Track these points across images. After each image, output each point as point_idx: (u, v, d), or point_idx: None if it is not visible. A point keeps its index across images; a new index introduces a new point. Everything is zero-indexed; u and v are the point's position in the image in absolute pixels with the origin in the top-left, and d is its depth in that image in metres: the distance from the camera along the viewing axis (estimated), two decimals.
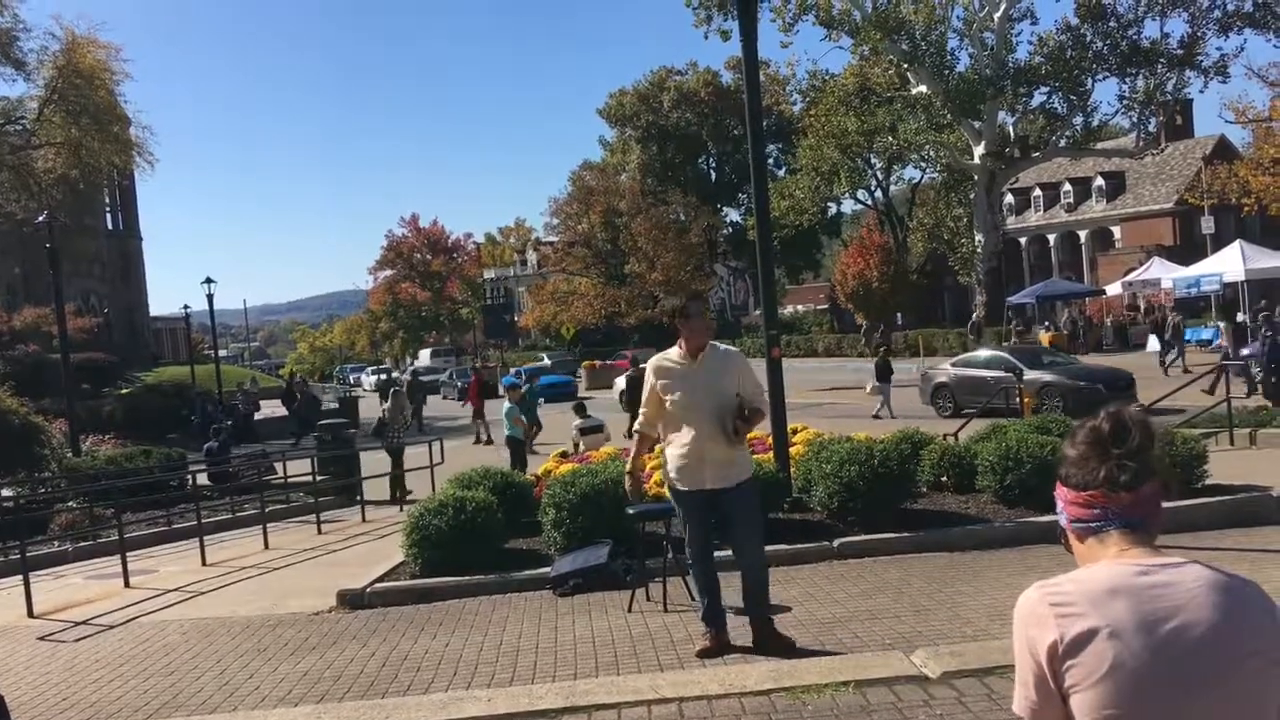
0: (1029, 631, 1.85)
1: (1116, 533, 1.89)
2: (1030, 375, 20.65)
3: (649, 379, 6.54)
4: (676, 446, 6.36)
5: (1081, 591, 1.83)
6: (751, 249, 15.29)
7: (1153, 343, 35.68)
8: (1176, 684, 1.75)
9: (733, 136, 70.71)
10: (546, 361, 55.79)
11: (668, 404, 6.37)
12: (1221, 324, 20.76)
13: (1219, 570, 1.85)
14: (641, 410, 6.69)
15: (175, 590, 10.95)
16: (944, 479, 10.61)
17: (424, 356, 74.05)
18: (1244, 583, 1.84)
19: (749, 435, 6.65)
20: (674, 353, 6.49)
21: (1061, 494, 1.99)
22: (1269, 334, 19.28)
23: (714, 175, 76.88)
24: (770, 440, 10.77)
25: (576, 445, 17.16)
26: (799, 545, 9.13)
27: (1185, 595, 1.80)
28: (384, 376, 49.22)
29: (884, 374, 24.57)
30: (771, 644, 6.36)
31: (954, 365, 24.51)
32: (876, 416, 22.64)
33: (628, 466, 6.94)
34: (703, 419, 6.21)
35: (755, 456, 10.38)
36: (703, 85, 73.06)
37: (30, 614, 10.25)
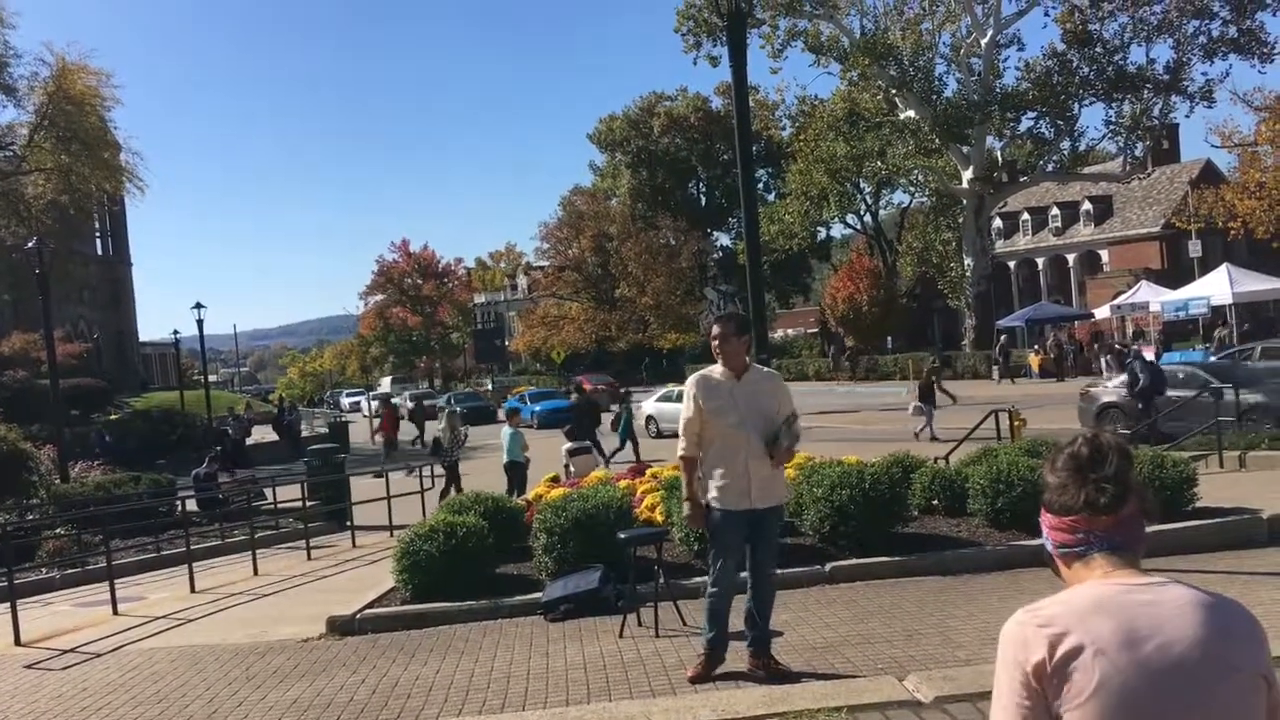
0: (1017, 655, 1.85)
1: (1100, 556, 1.92)
2: (1234, 394, 16.64)
3: (692, 400, 6.30)
4: (721, 466, 6.21)
5: (1067, 611, 1.85)
6: (742, 273, 15.51)
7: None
8: (1161, 701, 1.77)
9: (722, 161, 71.04)
10: (489, 386, 56.67)
11: (714, 425, 6.21)
12: (1105, 358, 20.76)
13: (1202, 590, 1.88)
14: (684, 433, 6.36)
15: (164, 617, 10.88)
16: (935, 502, 10.61)
17: (385, 384, 74.51)
18: (1227, 601, 1.87)
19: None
20: (717, 372, 6.35)
21: (1045, 520, 2.01)
22: (1131, 362, 19.28)
23: (704, 199, 77.18)
24: None
25: (567, 469, 17.13)
26: (790, 569, 9.08)
27: (1169, 614, 1.82)
28: (418, 402, 48.20)
29: (927, 395, 24.64)
30: (770, 668, 6.34)
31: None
32: (916, 436, 22.54)
33: (685, 494, 6.47)
34: (753, 438, 6.13)
35: None
36: (692, 110, 73.47)
37: (17, 642, 10.17)
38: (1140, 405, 18.51)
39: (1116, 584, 1.87)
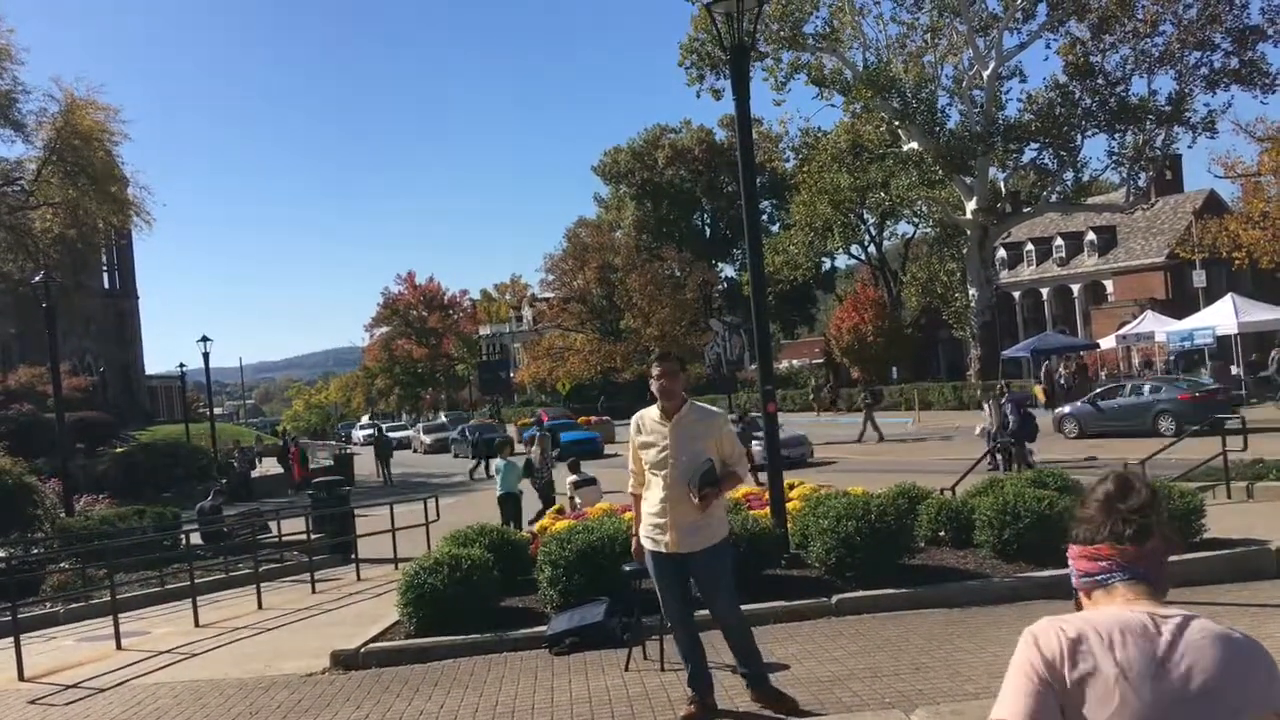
0: (1037, 655, 1.87)
1: (1122, 585, 1.95)
2: None
3: (630, 436, 6.43)
4: (646, 505, 6.26)
5: (1092, 626, 1.87)
6: (747, 304, 15.59)
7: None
8: None
9: (726, 192, 71.31)
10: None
11: (643, 461, 6.27)
12: (987, 404, 20.99)
13: (1223, 625, 1.89)
14: (630, 469, 6.50)
15: (168, 652, 10.83)
16: (942, 534, 10.56)
17: (364, 419, 75.29)
18: (1247, 639, 1.88)
19: (734, 494, 6.56)
20: (654, 410, 6.35)
21: (1072, 551, 2.06)
22: (1004, 404, 19.74)
23: (708, 231, 77.42)
24: (767, 495, 10.74)
25: (572, 501, 17.08)
26: (797, 602, 9.06)
27: (1190, 646, 1.83)
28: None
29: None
30: (771, 703, 6.29)
31: None
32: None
33: (633, 529, 6.66)
34: (672, 479, 6.07)
35: (752, 512, 10.37)
36: (696, 142, 73.84)
37: (21, 677, 10.13)
38: (1010, 447, 18.96)
39: (1145, 611, 1.89)
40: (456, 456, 46.50)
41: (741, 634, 6.36)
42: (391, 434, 50.89)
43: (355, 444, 64.30)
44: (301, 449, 37.02)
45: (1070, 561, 2.05)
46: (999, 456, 19.39)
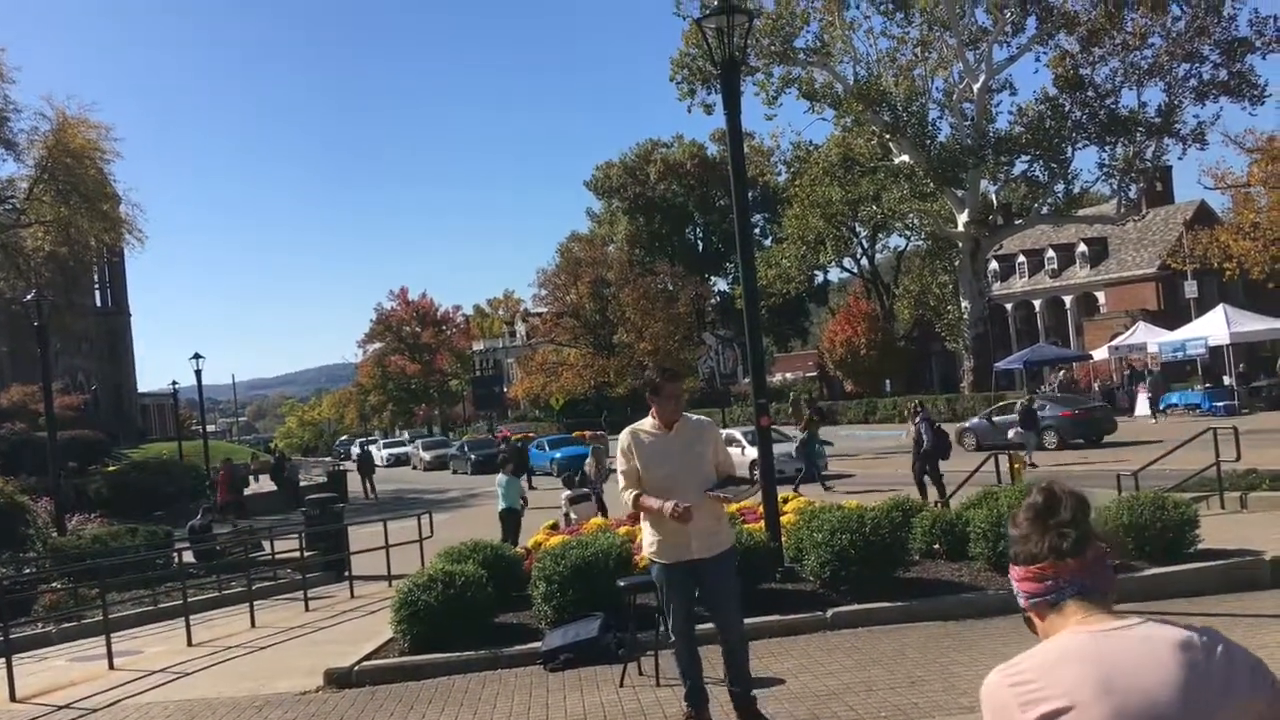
0: (991, 713, 1.87)
1: (1073, 602, 1.93)
2: None
3: (623, 455, 6.34)
4: (658, 520, 6.17)
5: (1038, 667, 1.85)
6: (740, 317, 15.56)
7: (1142, 405, 35.92)
8: None
9: (719, 207, 71.44)
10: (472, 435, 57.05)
11: (649, 478, 6.21)
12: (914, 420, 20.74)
13: (1175, 625, 1.87)
14: (627, 483, 6.32)
15: (160, 671, 10.77)
16: (936, 546, 10.56)
17: (377, 435, 75.48)
18: (1201, 632, 1.85)
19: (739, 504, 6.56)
20: (648, 424, 6.36)
21: (1014, 574, 2.03)
22: (918, 423, 19.62)
23: (701, 245, 77.50)
24: (761, 509, 10.72)
25: (567, 516, 17.04)
26: (792, 616, 9.05)
27: (1143, 655, 1.81)
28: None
29: (1029, 420, 25.82)
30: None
31: None
32: (1028, 461, 22.89)
33: (655, 511, 6.20)
34: (687, 491, 6.04)
35: (746, 526, 10.37)
36: (688, 157, 73.98)
37: (13, 698, 10.06)
38: (925, 465, 18.88)
39: (1089, 630, 1.87)
40: (455, 473, 46.19)
41: (744, 646, 6.37)
42: (391, 450, 50.95)
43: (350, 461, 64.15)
44: (233, 470, 33.92)
45: (1014, 584, 2.02)
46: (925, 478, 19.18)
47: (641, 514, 6.45)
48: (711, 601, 6.33)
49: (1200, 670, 1.79)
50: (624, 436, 6.41)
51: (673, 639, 6.45)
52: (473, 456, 44.11)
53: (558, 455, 36.64)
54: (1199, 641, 1.84)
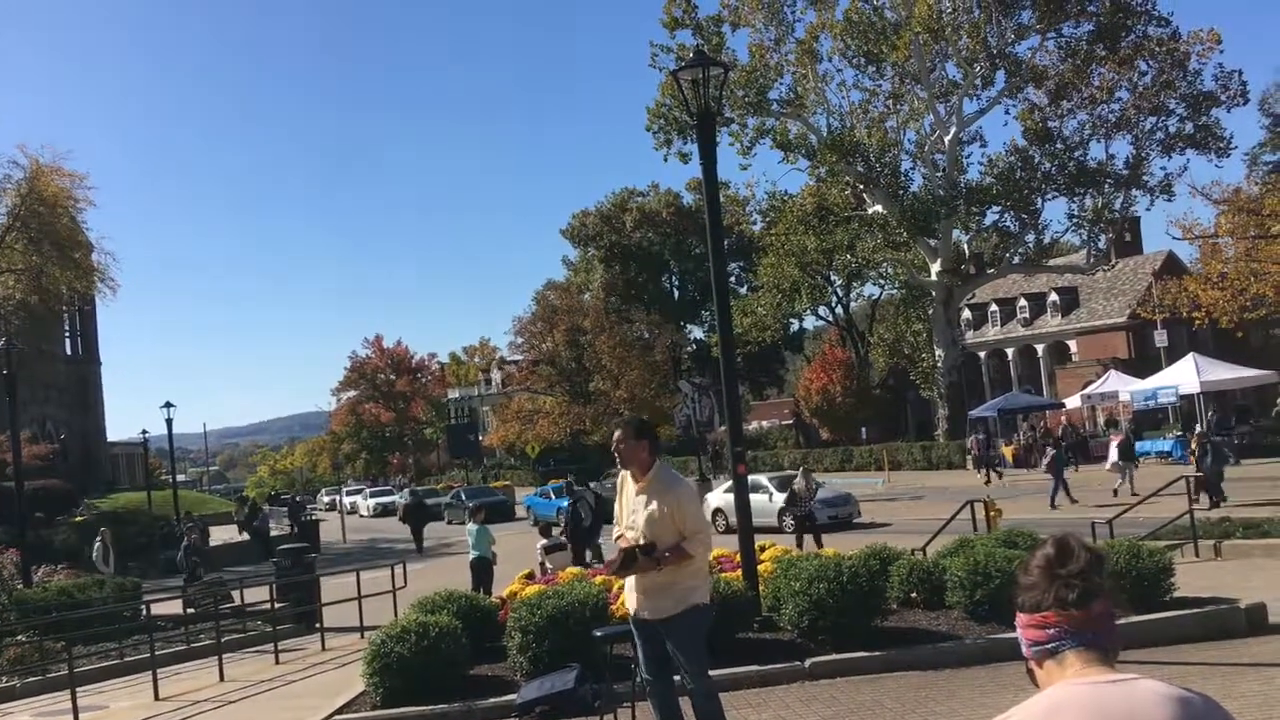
0: None
1: (1073, 653, 1.93)
2: None
3: (619, 489, 6.54)
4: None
5: (1031, 718, 1.85)
6: (715, 365, 15.68)
7: (1113, 454, 36.10)
8: None
9: (694, 255, 71.84)
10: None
11: (623, 523, 6.35)
12: (798, 479, 21.14)
13: (1174, 685, 1.87)
14: (615, 523, 6.58)
15: None
16: (914, 595, 10.52)
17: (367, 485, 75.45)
18: (1201, 698, 1.85)
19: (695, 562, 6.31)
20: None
21: (1019, 620, 2.04)
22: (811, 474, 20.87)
23: (677, 293, 77.85)
24: (739, 558, 10.67)
25: (543, 565, 16.91)
26: (770, 666, 8.97)
27: (1137, 709, 1.80)
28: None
29: (1128, 454, 26.22)
30: None
31: None
32: (1115, 492, 23.59)
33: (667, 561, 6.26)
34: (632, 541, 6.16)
35: (724, 575, 10.29)
36: (664, 206, 74.52)
37: None
38: (803, 518, 20.15)
39: (1084, 682, 1.87)
40: (450, 523, 45.74)
41: (707, 705, 6.24)
42: (380, 499, 52.17)
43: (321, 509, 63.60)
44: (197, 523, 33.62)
45: (1019, 630, 2.03)
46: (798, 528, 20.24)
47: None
48: (674, 657, 6.28)
49: None
50: (620, 476, 6.56)
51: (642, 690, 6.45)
52: (470, 505, 43.90)
53: (563, 504, 36.33)
54: (1197, 701, 1.84)
